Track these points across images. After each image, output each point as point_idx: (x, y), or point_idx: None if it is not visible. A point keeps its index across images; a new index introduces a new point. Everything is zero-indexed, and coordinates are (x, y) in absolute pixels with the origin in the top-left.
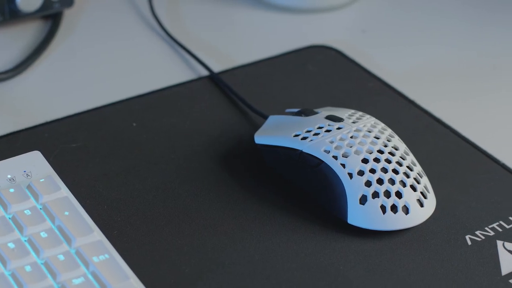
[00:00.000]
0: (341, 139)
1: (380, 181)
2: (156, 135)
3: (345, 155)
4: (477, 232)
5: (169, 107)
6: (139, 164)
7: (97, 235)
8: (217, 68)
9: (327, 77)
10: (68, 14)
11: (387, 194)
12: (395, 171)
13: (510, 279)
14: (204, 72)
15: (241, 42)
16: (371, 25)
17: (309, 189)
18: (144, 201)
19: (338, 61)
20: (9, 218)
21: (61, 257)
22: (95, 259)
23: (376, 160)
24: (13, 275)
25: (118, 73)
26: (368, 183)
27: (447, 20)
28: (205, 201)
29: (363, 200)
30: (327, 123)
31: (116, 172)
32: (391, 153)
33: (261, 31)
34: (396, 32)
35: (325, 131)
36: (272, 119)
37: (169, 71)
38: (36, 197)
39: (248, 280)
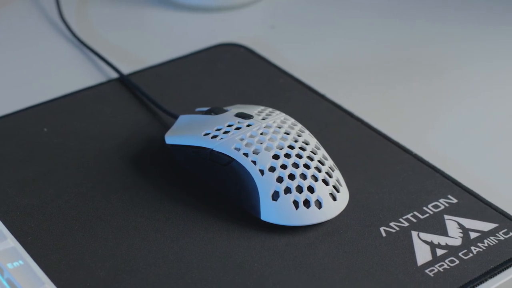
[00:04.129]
0: (251, 136)
1: (291, 177)
2: (67, 139)
3: (255, 152)
4: (392, 224)
5: (79, 111)
6: (51, 169)
7: (11, 241)
8: (127, 70)
9: (237, 75)
10: None
11: (299, 189)
12: (307, 166)
13: (426, 269)
14: (114, 75)
15: (150, 43)
16: (280, 21)
17: (221, 187)
18: (57, 206)
19: (248, 58)
20: None
21: None
22: (9, 265)
23: (287, 155)
24: None
25: (27, 79)
26: (280, 179)
27: (358, 13)
28: (117, 203)
29: (275, 196)
30: (236, 121)
31: (29, 178)
32: (301, 148)
33: (170, 31)
34: (306, 27)
35: (235, 129)
36: (182, 118)
37: (79, 75)
38: None
39: (164, 280)
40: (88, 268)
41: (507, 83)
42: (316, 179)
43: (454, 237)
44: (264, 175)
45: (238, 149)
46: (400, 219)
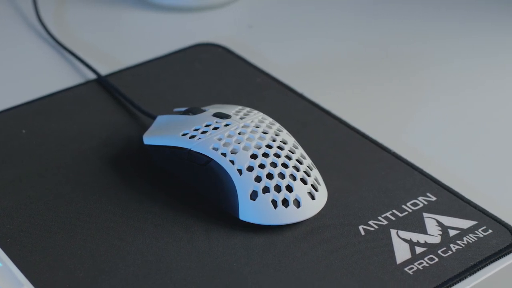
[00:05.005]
0: (229, 135)
1: (270, 176)
2: (46, 140)
3: (233, 152)
4: (370, 222)
5: (58, 112)
6: (30, 170)
7: None
8: (105, 71)
9: (214, 75)
10: None
11: (278, 188)
12: (285, 165)
13: (405, 267)
14: (92, 76)
15: (128, 43)
16: (257, 20)
17: (200, 187)
18: (37, 208)
19: (225, 58)
20: None
21: None
22: None
23: (265, 155)
24: None
25: (5, 80)
26: (258, 179)
27: (335, 12)
28: (96, 204)
29: (253, 195)
30: (214, 121)
31: (8, 180)
32: (280, 148)
33: (148, 31)
34: (283, 26)
35: (212, 129)
36: (160, 119)
37: (57, 76)
38: None
39: (143, 281)
40: (68, 269)
41: (485, 80)
42: (294, 178)
43: (433, 235)
44: (242, 175)
45: (216, 149)
46: (379, 218)
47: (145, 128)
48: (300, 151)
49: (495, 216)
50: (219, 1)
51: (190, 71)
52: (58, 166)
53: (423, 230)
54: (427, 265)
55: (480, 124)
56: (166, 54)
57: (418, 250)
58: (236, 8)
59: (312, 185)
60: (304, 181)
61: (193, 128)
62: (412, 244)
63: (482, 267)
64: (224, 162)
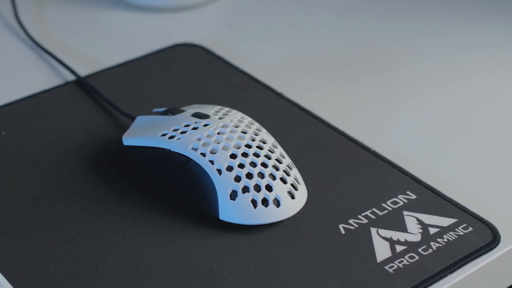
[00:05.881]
0: (208, 135)
1: (249, 176)
2: (25, 142)
3: (213, 152)
4: (351, 221)
5: (37, 114)
6: (9, 172)
7: None
8: (84, 72)
9: (194, 75)
10: None
11: (257, 188)
12: (264, 165)
13: (385, 265)
14: (71, 77)
15: (107, 44)
16: (236, 20)
17: (179, 187)
18: (16, 209)
19: (204, 58)
20: None
21: None
22: None
23: (245, 154)
24: None
25: None
26: (238, 178)
27: (313, 12)
28: (76, 205)
29: (233, 195)
30: (193, 121)
31: None
32: (259, 147)
33: (127, 32)
34: (262, 26)
35: (192, 129)
36: (140, 119)
37: (36, 78)
38: None
39: (123, 282)
40: (48, 271)
41: (462, 78)
42: (274, 178)
43: (413, 233)
44: (221, 175)
45: (195, 149)
46: (359, 216)
47: (124, 128)
48: (279, 151)
49: (476, 214)
50: (198, 1)
51: (169, 71)
52: (38, 167)
53: (403, 229)
54: (408, 263)
55: (460, 122)
56: (145, 55)
57: (399, 248)
58: (215, 8)
59: (291, 185)
60: (283, 181)
61: (172, 129)
62: (392, 243)
63: (463, 265)
64: (203, 162)
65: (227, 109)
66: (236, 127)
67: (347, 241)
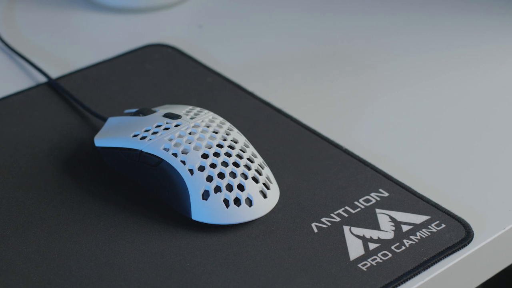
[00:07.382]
0: (179, 136)
1: (221, 175)
2: None
3: (184, 152)
4: (323, 219)
5: (8, 116)
6: None
7: None
8: (55, 73)
9: (165, 75)
10: None
11: (229, 187)
12: (236, 164)
13: (358, 263)
14: (43, 79)
15: (78, 45)
16: (207, 20)
17: (152, 188)
18: None
19: (175, 58)
20: None
21: None
22: None
23: (216, 154)
24: None
25: None
26: (210, 178)
27: (283, 10)
28: (49, 207)
29: (205, 195)
30: (165, 121)
31: None
32: (230, 147)
33: (97, 33)
34: (233, 25)
35: (163, 129)
36: (111, 121)
37: (7, 80)
38: None
39: (97, 283)
40: (21, 273)
41: (433, 76)
42: (246, 177)
43: (386, 231)
44: (193, 175)
45: (167, 150)
46: (332, 215)
47: (96, 130)
48: (251, 150)
49: (448, 211)
50: (168, 2)
51: (141, 72)
52: (10, 170)
53: (376, 226)
54: (381, 261)
55: (432, 119)
56: (116, 56)
57: (372, 246)
58: (186, 8)
59: (263, 184)
60: (255, 180)
61: (144, 129)
62: (365, 240)
63: (436, 262)
64: (175, 163)
65: (198, 109)
66: (208, 127)
67: (320, 240)
